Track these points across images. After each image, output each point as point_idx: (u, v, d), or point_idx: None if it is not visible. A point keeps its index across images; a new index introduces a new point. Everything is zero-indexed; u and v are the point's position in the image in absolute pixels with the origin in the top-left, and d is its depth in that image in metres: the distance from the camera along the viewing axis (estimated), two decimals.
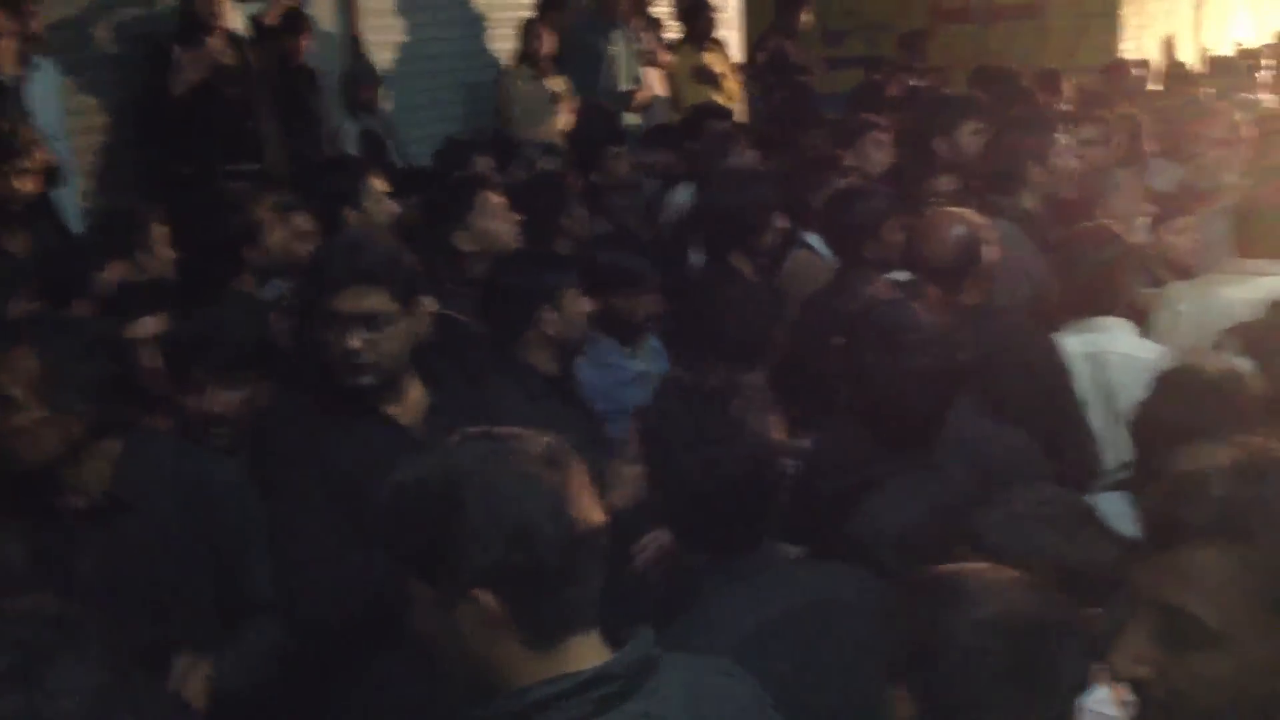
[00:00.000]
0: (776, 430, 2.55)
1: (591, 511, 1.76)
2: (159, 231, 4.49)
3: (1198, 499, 1.47)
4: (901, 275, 4.29)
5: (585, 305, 3.69)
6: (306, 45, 7.54)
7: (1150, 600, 1.50)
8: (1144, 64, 10.92)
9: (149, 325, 3.65)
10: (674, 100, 9.65)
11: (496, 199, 4.50)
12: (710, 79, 9.83)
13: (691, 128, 7.27)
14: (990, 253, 3.95)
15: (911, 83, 9.41)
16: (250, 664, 2.81)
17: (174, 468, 2.87)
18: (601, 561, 1.78)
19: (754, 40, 11.02)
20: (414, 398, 3.03)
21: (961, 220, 4.05)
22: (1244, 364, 3.16)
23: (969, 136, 5.36)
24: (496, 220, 4.44)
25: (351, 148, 7.57)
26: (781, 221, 4.75)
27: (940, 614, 1.90)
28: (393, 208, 4.76)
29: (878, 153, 5.76)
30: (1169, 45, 13.59)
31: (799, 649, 2.44)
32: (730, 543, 2.49)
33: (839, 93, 9.72)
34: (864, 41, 13.05)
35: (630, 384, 4.14)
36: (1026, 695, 1.82)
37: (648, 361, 4.31)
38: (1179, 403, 2.84)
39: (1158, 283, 4.80)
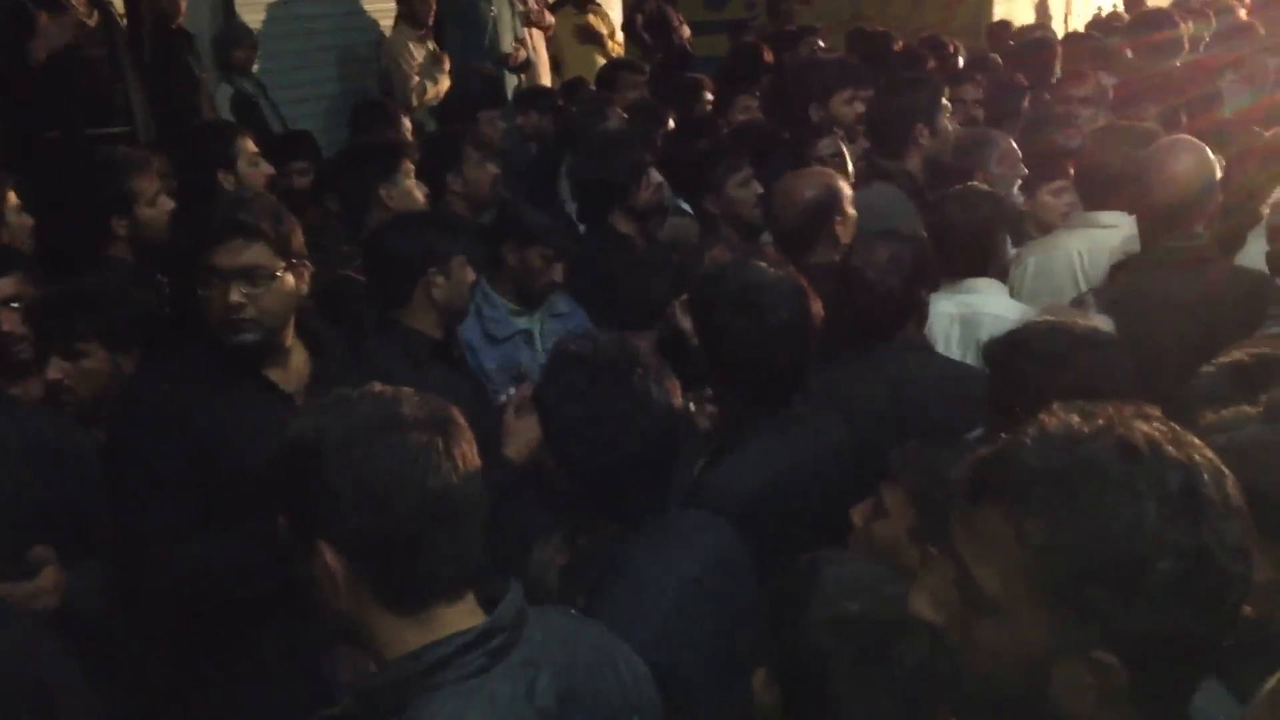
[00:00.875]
0: (677, 396, 2.55)
1: (466, 481, 1.76)
2: (12, 197, 4.36)
3: (1004, 461, 1.41)
4: None
5: (472, 274, 3.67)
6: (183, 8, 7.34)
7: (952, 551, 1.45)
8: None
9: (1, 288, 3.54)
10: (556, 62, 9.62)
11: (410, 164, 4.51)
12: (593, 39, 9.81)
13: (606, 84, 7.30)
14: (845, 214, 4.05)
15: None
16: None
17: (18, 436, 2.88)
18: (476, 530, 1.79)
19: (633, 2, 11.02)
20: (296, 364, 3.00)
21: (815, 182, 4.13)
22: (1103, 321, 3.27)
23: (843, 105, 5.42)
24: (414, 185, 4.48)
25: (224, 111, 7.40)
26: (655, 178, 4.79)
27: (797, 607, 1.96)
28: (267, 170, 4.69)
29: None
30: (1041, 10, 13.86)
31: (717, 607, 2.49)
32: (637, 511, 2.50)
33: (717, 57, 9.74)
34: (744, 5, 13.06)
35: (508, 341, 4.16)
36: (874, 687, 1.88)
37: (538, 322, 4.33)
38: (1021, 364, 2.84)
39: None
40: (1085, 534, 1.33)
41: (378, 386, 1.84)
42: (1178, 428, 1.44)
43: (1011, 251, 4.86)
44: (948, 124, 4.91)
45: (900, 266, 3.56)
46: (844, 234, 4.16)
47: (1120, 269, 4.05)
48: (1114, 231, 4.29)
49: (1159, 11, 8.72)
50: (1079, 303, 3.93)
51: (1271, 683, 1.47)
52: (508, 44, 8.93)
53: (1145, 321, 3.73)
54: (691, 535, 2.62)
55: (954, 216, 4.18)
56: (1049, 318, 3.20)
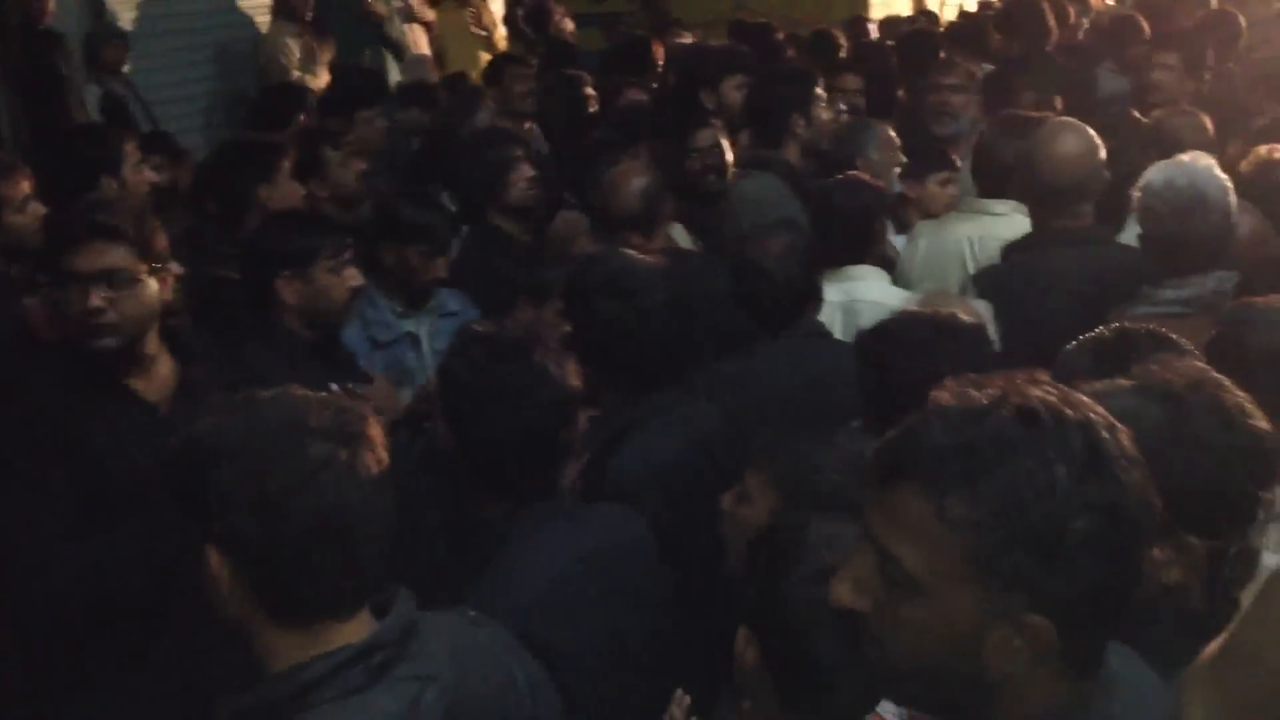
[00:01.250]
0: (574, 378, 2.57)
1: (368, 497, 1.73)
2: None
3: (912, 441, 1.43)
4: None
5: (345, 274, 3.56)
6: (50, 7, 7.14)
7: (870, 536, 1.47)
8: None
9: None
10: (439, 57, 9.55)
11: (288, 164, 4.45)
12: (476, 33, 9.76)
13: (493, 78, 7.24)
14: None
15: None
16: None
17: None
18: (376, 547, 1.76)
19: None
20: (162, 373, 2.93)
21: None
22: (981, 306, 3.34)
23: (733, 90, 5.46)
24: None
25: (93, 112, 7.21)
26: (527, 173, 4.78)
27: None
28: (151, 175, 4.61)
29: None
30: (918, 1, 14.07)
31: (605, 590, 2.52)
32: (529, 490, 2.52)
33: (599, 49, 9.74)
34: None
35: (394, 345, 4.11)
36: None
37: (425, 323, 4.26)
38: (884, 352, 2.90)
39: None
40: (1003, 503, 1.36)
41: (295, 390, 1.80)
42: (1066, 389, 1.48)
43: (893, 238, 4.96)
44: (824, 113, 4.97)
45: (796, 254, 3.62)
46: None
47: (1013, 249, 4.12)
48: (1004, 219, 4.37)
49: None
50: (964, 288, 4.01)
51: (1214, 646, 1.50)
52: (396, 32, 8.83)
53: (1035, 299, 3.82)
54: (586, 519, 2.65)
55: (836, 204, 4.23)
56: (918, 307, 3.28)
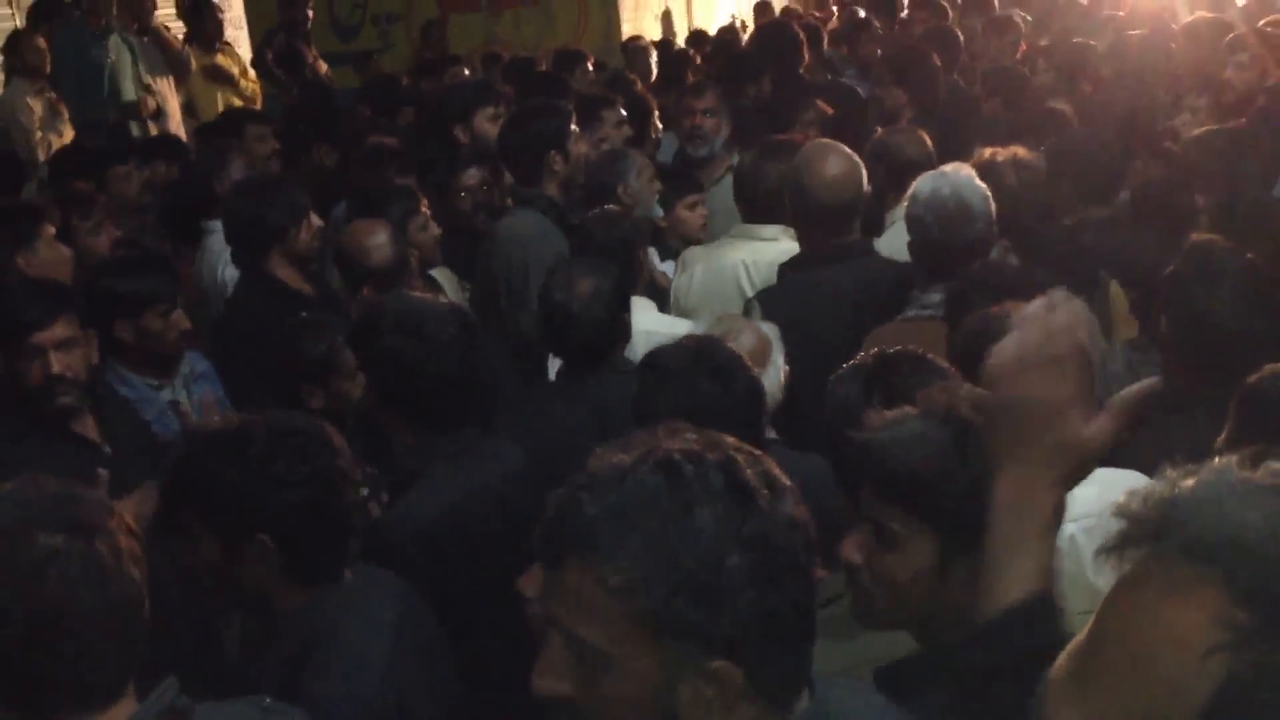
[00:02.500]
0: (353, 469, 2.51)
1: (105, 589, 1.67)
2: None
3: (564, 518, 1.45)
4: None
5: (83, 353, 3.42)
6: None
7: (552, 620, 1.47)
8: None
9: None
10: (190, 105, 9.27)
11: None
12: (224, 79, 9.50)
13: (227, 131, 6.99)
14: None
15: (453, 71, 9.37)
16: None
17: None
18: (124, 636, 1.71)
19: (261, 39, 10.75)
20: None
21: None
22: (768, 329, 3.42)
23: (487, 123, 5.46)
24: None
25: None
26: (316, 221, 4.68)
27: None
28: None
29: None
30: (666, 24, 14.35)
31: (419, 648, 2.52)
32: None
33: (355, 88, 9.62)
34: (377, 35, 12.95)
35: (161, 418, 3.94)
36: None
37: (182, 389, 4.10)
38: (647, 382, 2.92)
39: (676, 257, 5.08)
40: (656, 558, 1.39)
41: (33, 480, 1.75)
42: (710, 432, 1.52)
43: (657, 265, 5.04)
44: (582, 147, 5.01)
45: (603, 295, 3.64)
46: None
47: (788, 268, 4.23)
48: (775, 244, 4.47)
49: (781, 22, 9.17)
50: (747, 310, 4.09)
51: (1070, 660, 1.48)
52: (129, 92, 8.50)
53: (813, 315, 3.94)
54: (376, 588, 2.59)
55: (596, 237, 4.27)
56: (711, 331, 3.33)
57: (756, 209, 4.60)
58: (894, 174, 4.55)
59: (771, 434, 3.30)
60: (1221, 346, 3.07)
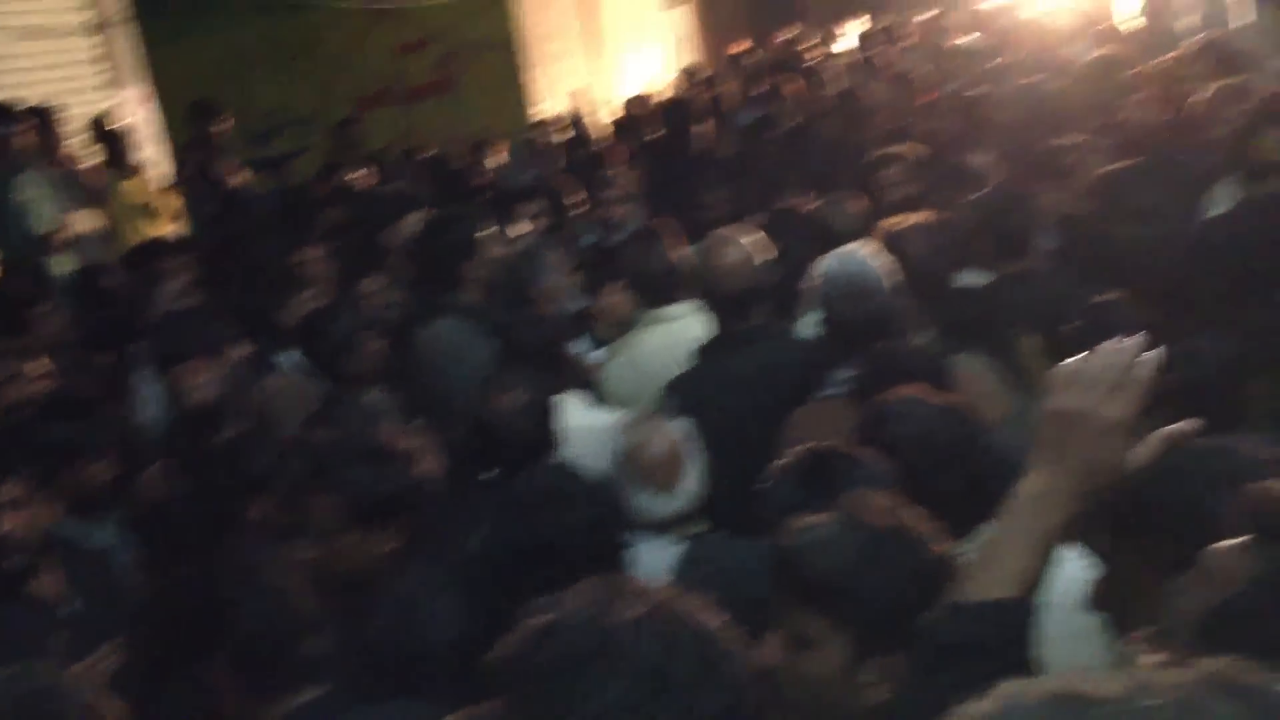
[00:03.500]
0: None
1: None
2: None
3: (505, 661, 1.48)
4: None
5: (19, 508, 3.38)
6: None
7: None
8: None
9: None
10: (109, 232, 9.21)
11: None
12: (141, 204, 9.46)
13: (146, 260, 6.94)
14: None
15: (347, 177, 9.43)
16: None
17: None
18: None
19: (179, 152, 10.74)
20: None
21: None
22: (679, 427, 3.47)
23: (402, 234, 5.50)
24: None
25: None
26: (244, 348, 4.69)
27: None
28: None
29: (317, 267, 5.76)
30: (577, 102, 14.51)
31: None
32: None
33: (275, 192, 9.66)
34: (291, 138, 13.00)
35: None
36: None
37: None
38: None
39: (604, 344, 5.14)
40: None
41: None
42: (666, 600, 1.50)
43: (594, 355, 5.09)
44: (498, 250, 5.06)
45: (527, 405, 3.69)
46: None
47: (699, 355, 4.30)
48: (685, 321, 4.54)
49: (682, 100, 9.31)
50: (670, 398, 4.14)
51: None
52: (45, 225, 8.43)
53: (723, 403, 4.01)
54: None
55: (520, 340, 4.32)
56: (624, 432, 3.39)
57: (653, 294, 4.69)
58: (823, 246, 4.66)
59: (697, 527, 3.36)
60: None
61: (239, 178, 10.11)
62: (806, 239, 5.16)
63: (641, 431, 3.42)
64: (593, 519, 2.88)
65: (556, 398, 4.20)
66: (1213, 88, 5.29)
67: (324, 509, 3.12)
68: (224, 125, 10.16)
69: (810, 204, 5.60)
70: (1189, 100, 5.54)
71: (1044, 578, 1.75)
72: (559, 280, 5.09)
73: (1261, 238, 4.29)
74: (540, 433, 3.71)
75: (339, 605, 3.13)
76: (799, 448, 2.82)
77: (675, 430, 3.44)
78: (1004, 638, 1.69)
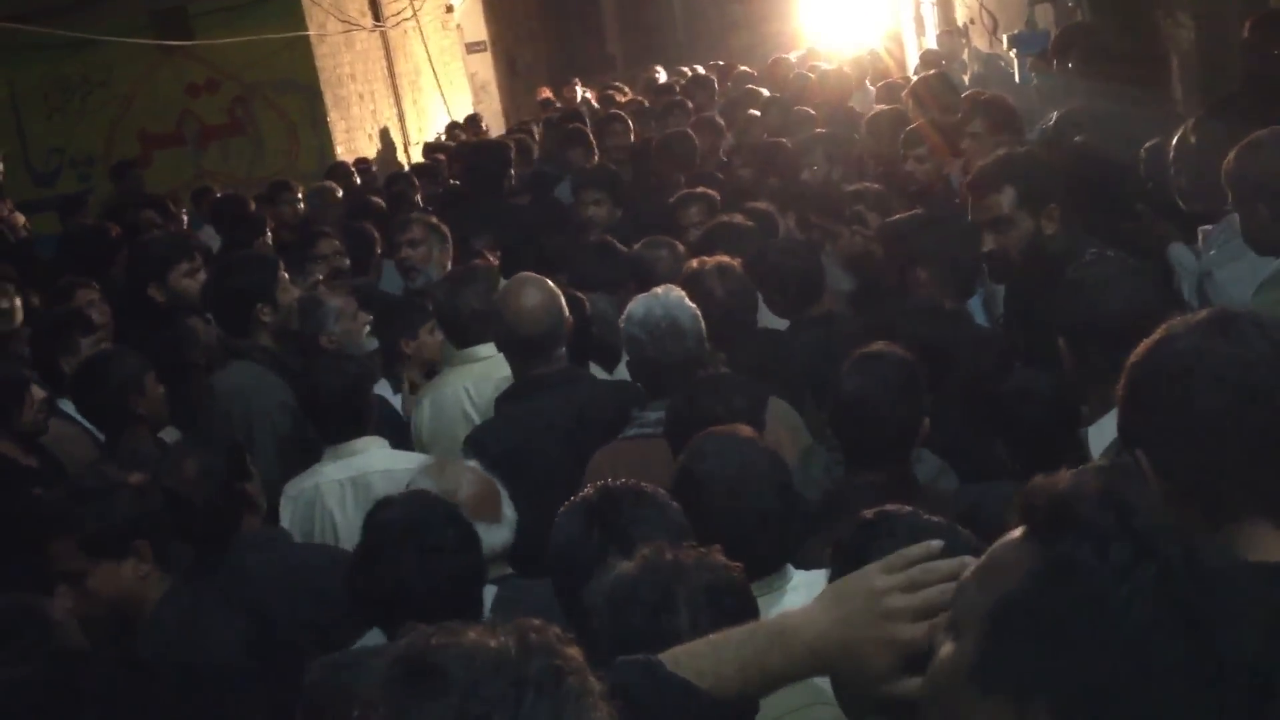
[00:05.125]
0: None
1: None
2: None
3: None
4: None
5: None
6: None
7: None
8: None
9: None
10: None
11: None
12: None
13: None
14: None
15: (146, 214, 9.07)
16: None
17: None
18: None
19: None
20: None
21: None
22: (473, 469, 3.41)
23: (184, 279, 5.31)
24: None
25: None
26: (38, 394, 4.45)
27: None
28: None
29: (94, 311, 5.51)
30: (382, 142, 14.38)
31: None
32: None
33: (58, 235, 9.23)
34: (76, 178, 12.52)
35: None
36: None
37: None
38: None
39: (414, 386, 5.05)
40: None
41: None
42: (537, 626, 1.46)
43: (395, 398, 4.99)
44: (292, 294, 4.94)
45: (214, 474, 3.55)
46: None
47: (502, 401, 4.24)
48: (491, 361, 4.48)
49: (485, 144, 9.30)
50: (472, 445, 4.06)
51: None
52: None
53: (524, 449, 3.95)
54: None
55: (321, 384, 4.20)
56: (427, 475, 3.30)
57: (465, 334, 4.63)
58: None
59: (507, 569, 3.30)
60: (877, 431, 3.25)
61: (15, 219, 9.67)
62: (610, 280, 5.20)
63: (453, 473, 3.34)
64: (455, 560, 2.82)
65: (356, 441, 4.13)
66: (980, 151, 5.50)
67: (64, 552, 3.20)
68: None
69: (613, 248, 5.60)
70: (963, 159, 5.74)
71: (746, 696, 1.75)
72: (344, 328, 4.98)
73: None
74: (230, 499, 3.60)
75: (113, 636, 3.16)
76: (589, 488, 2.79)
77: (470, 472, 3.39)
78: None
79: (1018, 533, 1.36)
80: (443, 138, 13.41)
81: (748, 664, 1.73)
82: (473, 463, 3.49)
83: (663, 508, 2.62)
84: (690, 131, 8.18)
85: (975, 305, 4.93)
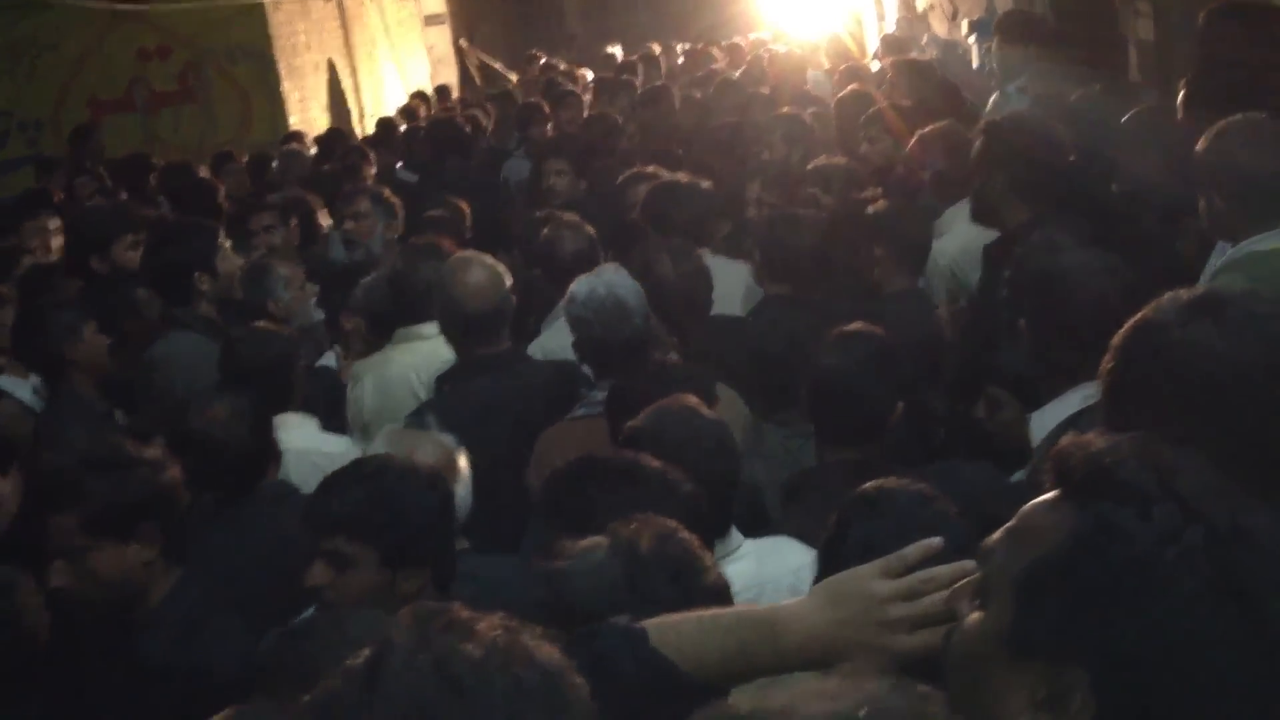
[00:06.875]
0: None
1: None
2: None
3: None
4: None
5: None
6: None
7: None
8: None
9: None
10: None
11: None
12: None
13: None
14: None
15: (80, 181, 8.93)
16: None
17: None
18: None
19: None
20: None
21: None
22: (447, 439, 3.35)
23: (126, 251, 5.19)
24: None
25: None
26: None
27: None
28: None
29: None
30: (335, 113, 14.19)
31: None
32: None
33: (8, 197, 9.06)
34: (24, 142, 12.28)
35: None
36: None
37: None
38: None
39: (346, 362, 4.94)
40: None
41: None
42: (512, 628, 1.35)
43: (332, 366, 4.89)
44: (234, 263, 4.85)
45: (244, 416, 3.54)
46: None
47: (444, 380, 4.17)
48: (437, 340, 4.39)
49: (447, 119, 9.23)
50: (420, 422, 3.98)
51: None
52: None
53: (468, 427, 3.85)
54: None
55: (245, 358, 4.11)
56: (389, 447, 3.22)
57: (413, 309, 4.54)
58: (553, 272, 4.62)
59: (464, 543, 3.25)
60: (852, 409, 3.26)
61: None
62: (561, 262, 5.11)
63: (411, 440, 3.27)
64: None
65: (284, 416, 4.03)
66: (917, 136, 5.50)
67: (64, 528, 2.96)
68: None
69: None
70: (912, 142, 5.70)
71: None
72: (290, 295, 4.90)
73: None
74: (258, 443, 3.60)
75: (109, 622, 3.02)
76: (577, 457, 2.71)
77: (444, 439, 3.33)
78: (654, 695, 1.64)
79: (1051, 495, 1.31)
80: (420, 108, 13.13)
81: (732, 652, 1.68)
82: (439, 435, 3.41)
83: (637, 482, 2.54)
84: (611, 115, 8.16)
85: None
